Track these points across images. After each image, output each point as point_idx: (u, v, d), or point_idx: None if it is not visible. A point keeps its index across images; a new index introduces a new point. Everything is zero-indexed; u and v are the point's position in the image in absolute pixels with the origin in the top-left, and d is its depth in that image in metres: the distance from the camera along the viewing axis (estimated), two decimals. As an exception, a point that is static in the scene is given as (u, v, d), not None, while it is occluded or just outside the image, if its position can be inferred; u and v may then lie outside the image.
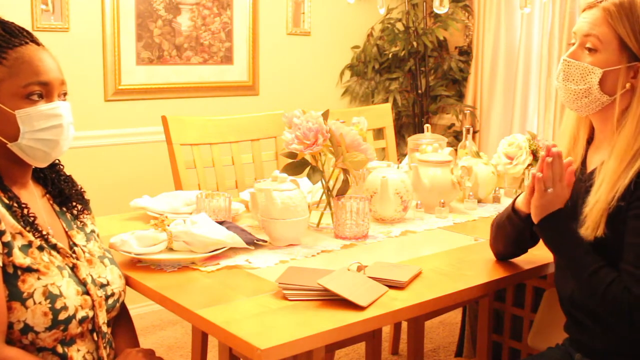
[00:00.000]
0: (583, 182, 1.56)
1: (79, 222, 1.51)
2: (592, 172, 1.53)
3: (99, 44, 3.20)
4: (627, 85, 1.47)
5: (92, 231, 1.54)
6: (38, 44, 1.40)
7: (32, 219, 1.36)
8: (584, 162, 1.59)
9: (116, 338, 1.52)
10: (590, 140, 1.61)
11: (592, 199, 1.46)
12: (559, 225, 1.49)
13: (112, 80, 3.25)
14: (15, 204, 1.35)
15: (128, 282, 1.58)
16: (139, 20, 3.28)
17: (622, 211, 1.42)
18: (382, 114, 3.10)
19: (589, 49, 1.48)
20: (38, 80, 1.35)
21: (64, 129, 1.40)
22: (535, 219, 1.51)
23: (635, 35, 1.44)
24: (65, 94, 1.42)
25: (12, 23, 1.40)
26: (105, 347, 1.43)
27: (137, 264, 1.66)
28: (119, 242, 1.65)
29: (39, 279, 1.31)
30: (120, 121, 3.32)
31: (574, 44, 1.52)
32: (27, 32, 1.41)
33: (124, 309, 1.58)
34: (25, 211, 1.35)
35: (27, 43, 1.38)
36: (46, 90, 1.37)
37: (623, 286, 1.39)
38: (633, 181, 1.42)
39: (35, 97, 1.35)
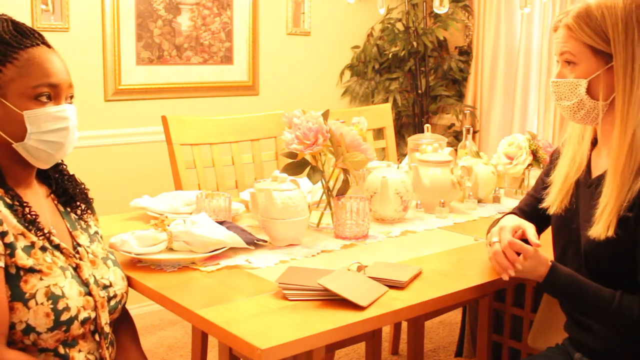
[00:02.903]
0: (588, 186, 1.56)
1: (83, 223, 1.51)
2: (599, 177, 1.54)
3: (99, 44, 3.20)
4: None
5: (96, 232, 1.54)
6: (49, 46, 1.41)
7: (34, 217, 1.36)
8: (588, 166, 1.60)
9: (119, 340, 1.52)
10: (595, 142, 1.62)
11: (602, 201, 1.47)
12: (559, 280, 1.52)
13: (112, 80, 3.25)
14: (17, 203, 1.35)
15: (128, 282, 1.57)
16: (139, 20, 3.28)
17: (629, 220, 1.44)
18: (382, 114, 3.10)
19: (569, 64, 1.52)
20: (48, 82, 1.36)
21: (70, 132, 1.41)
22: (537, 284, 1.56)
23: (601, 37, 1.47)
24: (72, 97, 1.43)
25: (24, 24, 1.41)
26: (107, 348, 1.43)
27: (137, 264, 1.66)
28: (119, 242, 1.65)
29: (41, 279, 1.31)
30: (120, 121, 3.32)
31: (559, 62, 1.57)
32: (39, 33, 1.41)
33: (125, 312, 1.58)
34: (27, 210, 1.35)
35: (38, 45, 1.38)
36: (55, 92, 1.37)
37: None
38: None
39: (43, 99, 1.36)
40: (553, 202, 1.62)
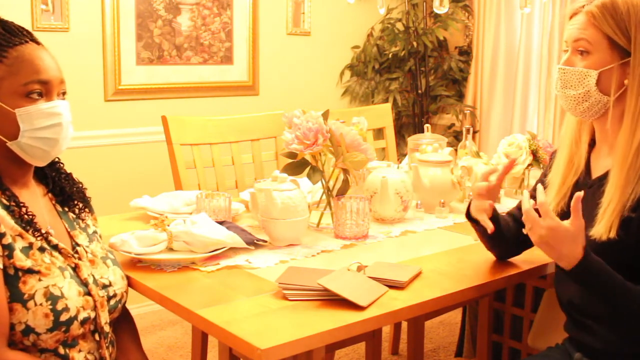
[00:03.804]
0: (589, 187, 1.55)
1: (81, 222, 1.51)
2: (600, 178, 1.53)
3: (99, 44, 3.20)
4: (626, 82, 1.47)
5: (95, 232, 1.54)
6: (38, 43, 1.40)
7: (31, 217, 1.36)
8: (587, 168, 1.59)
9: (119, 340, 1.52)
10: (592, 144, 1.61)
11: (605, 200, 1.46)
12: (596, 262, 1.40)
13: (112, 80, 3.25)
14: (13, 203, 1.35)
15: (128, 282, 1.57)
16: (139, 20, 3.28)
17: (633, 221, 1.43)
18: (382, 114, 3.10)
19: (581, 53, 1.50)
20: (38, 78, 1.36)
21: (64, 128, 1.40)
22: (566, 268, 1.42)
23: (622, 31, 1.46)
24: (64, 93, 1.43)
25: (12, 22, 1.40)
26: (107, 347, 1.43)
27: (137, 264, 1.66)
28: (119, 242, 1.65)
29: (40, 280, 1.31)
30: (120, 121, 3.32)
31: (567, 51, 1.55)
32: (27, 31, 1.41)
33: (125, 311, 1.57)
34: (24, 210, 1.35)
35: (27, 42, 1.38)
36: (46, 89, 1.37)
37: None
38: None
39: (35, 96, 1.36)
40: (549, 204, 1.62)
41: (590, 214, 1.49)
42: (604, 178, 1.50)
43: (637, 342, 1.47)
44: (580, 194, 1.37)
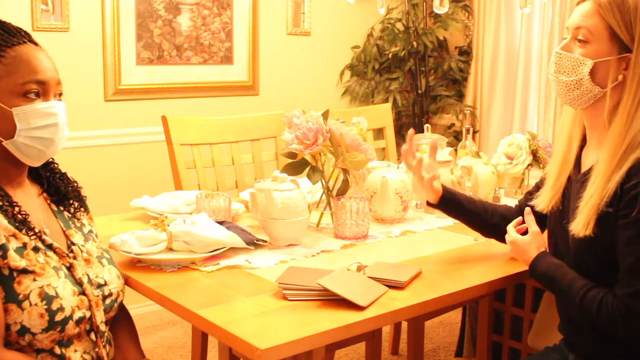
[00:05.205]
0: (577, 182, 1.55)
1: (76, 221, 1.51)
2: (587, 172, 1.52)
3: (99, 44, 3.20)
4: (620, 77, 1.46)
5: (90, 231, 1.54)
6: (35, 43, 1.41)
7: (24, 217, 1.36)
8: (578, 163, 1.59)
9: (117, 338, 1.52)
10: (584, 141, 1.61)
11: (587, 194, 1.45)
12: (543, 268, 1.56)
13: (112, 80, 3.25)
14: (6, 203, 1.35)
15: (128, 282, 1.57)
16: (139, 20, 3.28)
17: (610, 216, 1.42)
18: (382, 114, 3.10)
19: (580, 41, 1.49)
20: (36, 78, 1.36)
21: (60, 128, 1.41)
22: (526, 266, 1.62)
23: (626, 26, 1.45)
24: (60, 94, 1.43)
25: (10, 23, 1.41)
26: (104, 346, 1.43)
27: (137, 264, 1.66)
28: (119, 242, 1.65)
29: (34, 280, 1.31)
30: (120, 121, 3.32)
31: (565, 38, 1.53)
32: (25, 32, 1.42)
33: (123, 310, 1.58)
34: (17, 209, 1.35)
35: (25, 42, 1.39)
36: (43, 89, 1.38)
37: (612, 300, 1.40)
38: (619, 187, 1.40)
39: (32, 96, 1.36)
40: (541, 200, 1.62)
41: (575, 208, 1.49)
42: (588, 173, 1.50)
43: (623, 345, 1.46)
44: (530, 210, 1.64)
